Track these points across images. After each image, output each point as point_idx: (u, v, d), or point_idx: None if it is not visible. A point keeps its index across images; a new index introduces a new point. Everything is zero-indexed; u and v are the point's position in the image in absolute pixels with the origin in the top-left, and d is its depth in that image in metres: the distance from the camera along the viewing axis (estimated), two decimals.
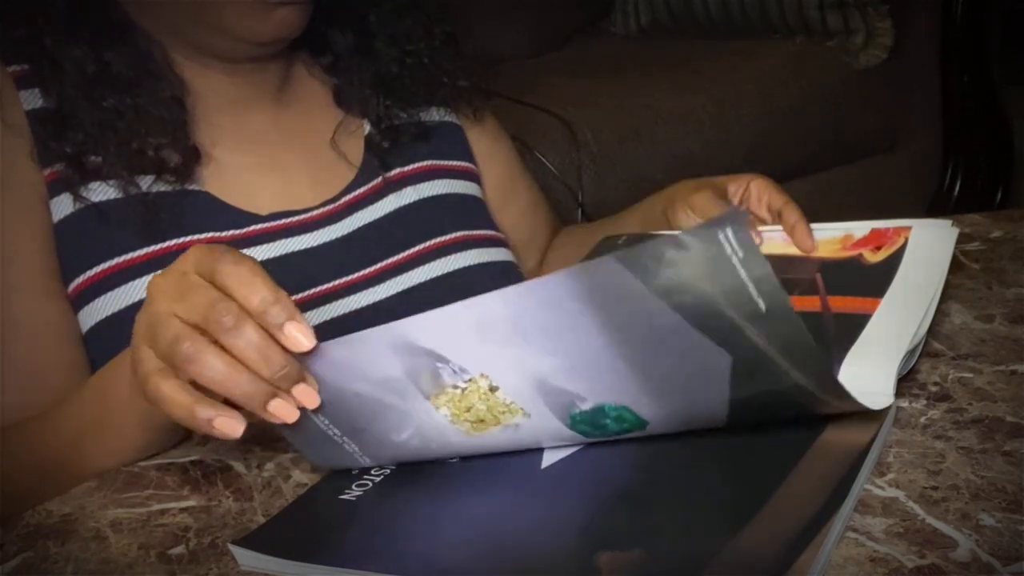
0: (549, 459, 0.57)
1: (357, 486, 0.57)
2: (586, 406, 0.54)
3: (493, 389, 0.53)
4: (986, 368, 0.62)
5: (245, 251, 0.77)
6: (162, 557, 0.53)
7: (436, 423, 0.55)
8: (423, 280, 0.84)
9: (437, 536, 0.52)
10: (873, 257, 0.70)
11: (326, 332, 0.73)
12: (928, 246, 0.69)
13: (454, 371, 0.53)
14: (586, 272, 0.47)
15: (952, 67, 2.16)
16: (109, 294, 0.74)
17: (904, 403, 0.59)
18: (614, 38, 2.39)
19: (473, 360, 0.52)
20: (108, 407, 0.64)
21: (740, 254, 0.45)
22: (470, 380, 0.53)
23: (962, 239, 0.73)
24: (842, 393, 0.51)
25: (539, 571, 0.48)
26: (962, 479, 0.51)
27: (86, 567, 0.53)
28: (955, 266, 0.71)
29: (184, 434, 0.66)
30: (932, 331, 0.64)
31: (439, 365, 0.53)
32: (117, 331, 0.74)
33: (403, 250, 0.85)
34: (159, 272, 0.55)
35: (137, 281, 0.75)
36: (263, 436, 0.65)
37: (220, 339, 0.51)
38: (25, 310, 0.73)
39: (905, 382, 0.61)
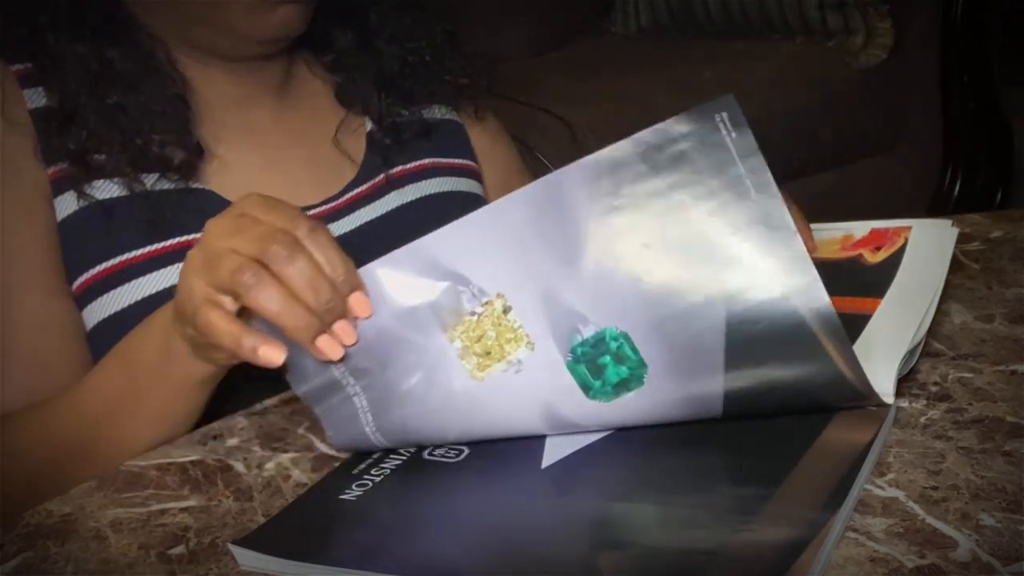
0: (549, 459, 0.57)
1: (357, 486, 0.57)
2: (588, 332, 0.55)
3: (507, 310, 0.55)
4: (986, 368, 0.62)
5: None
6: (162, 557, 0.53)
7: (446, 360, 0.56)
8: None
9: (437, 536, 0.52)
10: (873, 257, 0.70)
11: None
12: (928, 246, 0.69)
13: (473, 294, 0.56)
14: (597, 160, 0.52)
15: (952, 67, 2.16)
16: (112, 292, 0.74)
17: (904, 403, 0.59)
18: (614, 38, 2.39)
19: (492, 276, 0.55)
20: (135, 377, 0.65)
21: (733, 135, 0.51)
22: (487, 303, 0.56)
23: (962, 239, 0.73)
24: (833, 324, 0.52)
25: (539, 571, 0.48)
26: (962, 479, 0.51)
27: (86, 567, 0.53)
28: (955, 266, 0.71)
29: (200, 416, 0.67)
30: (932, 331, 0.64)
31: (460, 289, 0.55)
32: (120, 329, 0.74)
33: None
34: (215, 217, 0.58)
35: (140, 280, 0.75)
36: (263, 436, 0.65)
37: (275, 267, 0.54)
38: (31, 308, 0.73)
39: (905, 382, 0.61)
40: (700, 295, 0.53)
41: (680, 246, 0.53)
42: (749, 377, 0.54)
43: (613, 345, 0.55)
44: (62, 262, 0.75)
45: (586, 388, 0.56)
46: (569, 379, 0.56)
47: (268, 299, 0.54)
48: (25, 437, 0.70)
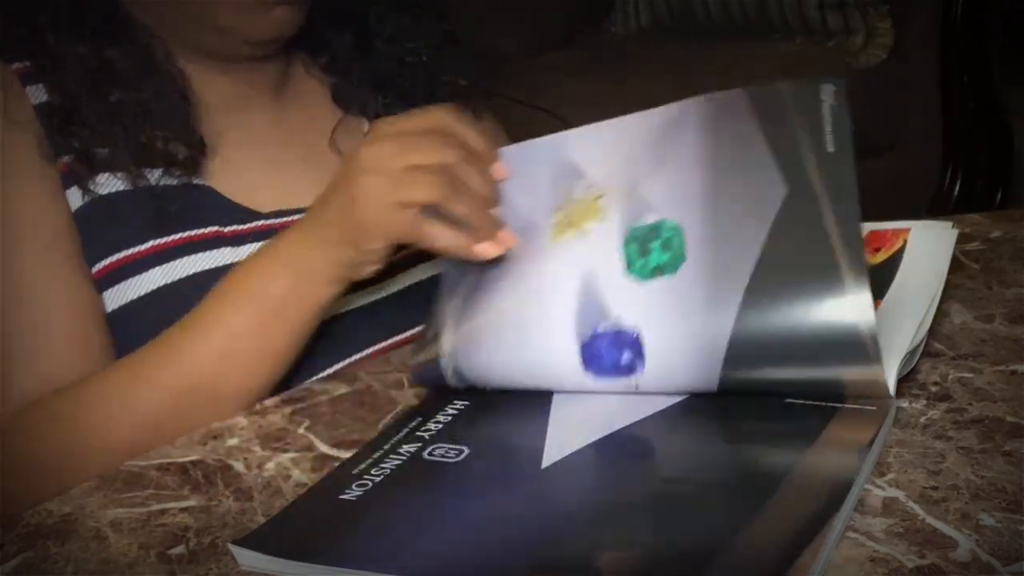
0: (549, 459, 0.57)
1: (357, 486, 0.57)
2: (651, 218, 0.62)
3: (598, 198, 0.64)
4: (986, 368, 0.62)
5: (247, 247, 0.78)
6: (162, 557, 0.53)
7: (537, 230, 0.65)
8: (421, 279, 0.84)
9: (437, 536, 0.52)
10: (872, 259, 0.70)
11: (324, 331, 0.74)
12: (927, 247, 0.69)
13: (587, 187, 0.65)
14: (714, 100, 0.63)
15: (952, 67, 2.16)
16: (117, 287, 0.75)
17: (904, 403, 0.59)
18: (614, 38, 2.40)
19: (603, 174, 0.64)
20: (262, 308, 0.68)
21: (831, 102, 0.60)
22: (591, 193, 0.64)
23: (962, 239, 0.73)
24: (859, 265, 0.56)
25: (539, 571, 0.48)
26: (962, 479, 0.51)
27: (86, 567, 0.53)
28: (955, 266, 0.71)
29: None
30: (932, 331, 0.64)
31: (575, 183, 0.65)
32: (125, 324, 0.74)
33: (401, 249, 0.85)
34: (368, 146, 0.65)
35: (144, 275, 0.75)
36: (263, 436, 0.65)
37: (452, 168, 0.63)
38: (65, 298, 0.74)
39: (905, 382, 0.61)
40: (751, 210, 0.59)
41: (749, 166, 0.60)
42: (765, 314, 0.57)
43: (667, 234, 0.61)
44: (83, 252, 0.76)
45: (629, 263, 0.61)
46: (618, 252, 0.62)
47: (462, 204, 0.62)
48: (140, 384, 0.69)
